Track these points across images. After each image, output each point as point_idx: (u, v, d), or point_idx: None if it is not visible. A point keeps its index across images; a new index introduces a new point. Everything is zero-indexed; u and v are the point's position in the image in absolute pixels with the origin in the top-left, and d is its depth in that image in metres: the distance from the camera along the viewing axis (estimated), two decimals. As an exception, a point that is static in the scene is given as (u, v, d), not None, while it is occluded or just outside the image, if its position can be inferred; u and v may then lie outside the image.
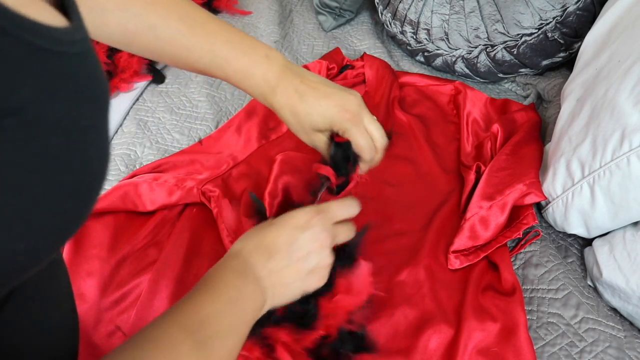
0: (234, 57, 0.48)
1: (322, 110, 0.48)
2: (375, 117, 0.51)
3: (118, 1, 0.46)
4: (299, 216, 0.45)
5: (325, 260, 0.45)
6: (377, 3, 1.04)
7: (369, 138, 0.50)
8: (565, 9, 0.78)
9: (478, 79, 0.92)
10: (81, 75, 0.22)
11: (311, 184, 0.53)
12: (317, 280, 0.45)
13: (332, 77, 0.91)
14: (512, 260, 0.63)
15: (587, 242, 0.64)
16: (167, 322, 0.36)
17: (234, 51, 0.48)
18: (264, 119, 0.83)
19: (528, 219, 0.62)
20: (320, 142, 0.51)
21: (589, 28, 0.72)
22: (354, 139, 0.49)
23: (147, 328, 0.36)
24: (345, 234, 0.48)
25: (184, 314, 0.37)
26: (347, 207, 0.48)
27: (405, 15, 0.94)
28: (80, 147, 0.22)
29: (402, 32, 0.97)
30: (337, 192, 0.52)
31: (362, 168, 0.53)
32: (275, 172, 0.66)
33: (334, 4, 1.07)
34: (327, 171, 0.51)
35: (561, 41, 0.82)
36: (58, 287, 0.33)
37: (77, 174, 0.22)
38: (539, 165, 0.67)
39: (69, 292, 0.36)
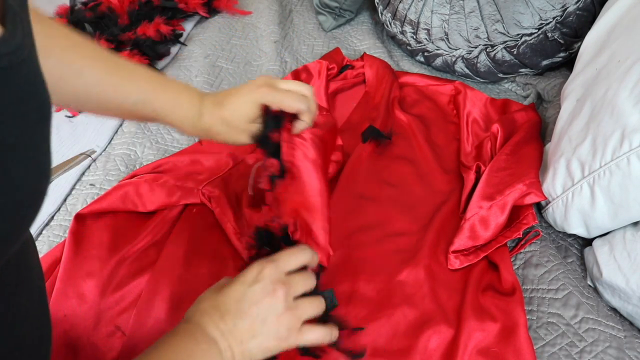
0: (161, 91, 0.51)
1: (243, 101, 0.52)
2: (289, 80, 0.55)
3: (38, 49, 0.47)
4: (248, 272, 0.44)
5: (278, 310, 0.43)
6: (377, 3, 1.04)
7: (292, 93, 0.53)
8: (565, 9, 0.78)
9: (478, 79, 0.92)
10: (9, 89, 0.21)
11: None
12: (274, 332, 0.43)
13: (332, 77, 0.91)
14: (512, 260, 0.63)
15: (587, 242, 0.64)
16: None
17: (159, 86, 0.51)
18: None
19: (528, 219, 0.62)
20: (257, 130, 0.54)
21: (589, 28, 0.72)
22: (279, 101, 0.52)
23: None
24: (302, 283, 0.46)
25: None
26: (298, 256, 0.47)
27: (405, 15, 0.94)
28: (4, 165, 0.21)
29: (402, 32, 0.97)
30: (279, 173, 0.53)
31: (305, 122, 0.54)
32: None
33: (334, 4, 1.07)
34: (257, 156, 0.54)
35: (561, 41, 0.82)
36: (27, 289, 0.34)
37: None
38: (539, 165, 0.67)
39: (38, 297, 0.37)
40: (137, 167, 0.78)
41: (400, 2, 0.95)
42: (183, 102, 0.52)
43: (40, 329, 0.36)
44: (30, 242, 0.38)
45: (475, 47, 0.87)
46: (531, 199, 0.62)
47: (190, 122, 0.52)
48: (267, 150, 0.54)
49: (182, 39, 1.10)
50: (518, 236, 0.62)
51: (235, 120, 0.52)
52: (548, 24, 0.80)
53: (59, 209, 0.73)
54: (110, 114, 0.53)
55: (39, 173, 0.24)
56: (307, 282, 0.47)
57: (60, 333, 0.55)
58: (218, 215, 0.66)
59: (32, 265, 0.36)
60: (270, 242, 0.51)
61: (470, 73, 0.91)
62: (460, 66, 0.91)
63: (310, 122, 0.55)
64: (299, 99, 0.52)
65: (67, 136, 0.86)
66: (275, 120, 0.53)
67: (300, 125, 0.54)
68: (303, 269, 0.48)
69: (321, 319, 0.47)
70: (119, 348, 0.54)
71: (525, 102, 0.87)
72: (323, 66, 0.89)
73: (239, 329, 0.42)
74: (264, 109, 0.53)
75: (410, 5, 0.93)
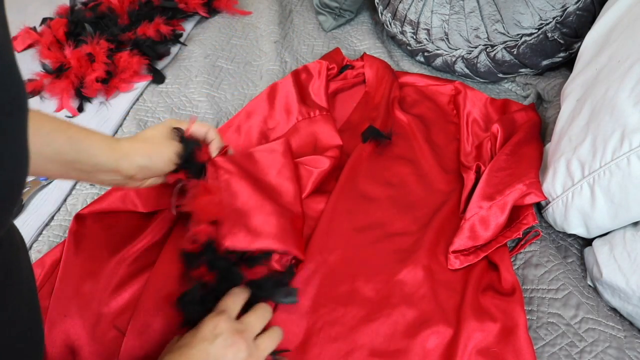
0: (90, 132, 0.52)
1: (156, 126, 0.58)
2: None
3: None
4: (203, 328, 0.45)
5: (243, 353, 0.45)
6: (377, 3, 1.04)
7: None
8: (565, 9, 0.78)
9: (478, 79, 0.92)
10: None
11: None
12: None
13: (332, 77, 0.91)
14: (512, 260, 0.63)
15: (587, 242, 0.64)
16: None
17: (86, 131, 0.51)
18: (264, 119, 0.83)
19: (528, 219, 0.62)
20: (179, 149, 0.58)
21: (589, 28, 0.72)
22: (188, 125, 0.59)
23: None
24: (258, 321, 0.49)
25: None
26: (239, 295, 0.51)
27: (405, 15, 0.94)
28: None
29: (402, 32, 0.97)
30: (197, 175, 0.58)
31: (213, 147, 0.61)
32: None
33: (334, 4, 1.07)
34: (178, 175, 0.58)
35: (561, 41, 0.82)
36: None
37: None
38: (539, 165, 0.67)
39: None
40: (137, 167, 0.78)
41: (400, 2, 0.95)
42: (98, 133, 0.53)
43: (31, 332, 0.36)
44: (20, 245, 0.38)
45: (475, 47, 0.87)
46: (531, 199, 0.62)
47: (108, 144, 0.52)
48: (190, 170, 0.58)
49: (182, 39, 1.10)
50: (518, 236, 0.62)
51: (154, 135, 0.56)
52: (548, 24, 0.80)
53: (59, 209, 0.73)
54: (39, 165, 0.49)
55: (16, 166, 0.23)
56: (262, 317, 0.50)
57: (60, 333, 0.55)
58: None
59: (22, 269, 0.36)
60: (196, 262, 0.55)
61: (470, 73, 0.91)
62: (460, 66, 0.91)
63: (220, 143, 0.62)
64: (203, 124, 0.61)
65: (67, 136, 0.86)
66: (192, 141, 0.59)
67: (214, 145, 0.61)
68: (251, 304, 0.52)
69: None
70: (119, 348, 0.54)
71: (525, 102, 0.87)
72: (323, 66, 0.89)
73: None
74: (177, 132, 0.58)
75: (410, 6, 0.93)
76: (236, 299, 0.51)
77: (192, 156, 0.58)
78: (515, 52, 0.84)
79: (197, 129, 0.60)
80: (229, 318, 0.47)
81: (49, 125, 0.47)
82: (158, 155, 0.55)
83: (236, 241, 0.56)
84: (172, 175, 0.58)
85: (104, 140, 0.52)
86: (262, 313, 0.50)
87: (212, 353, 0.43)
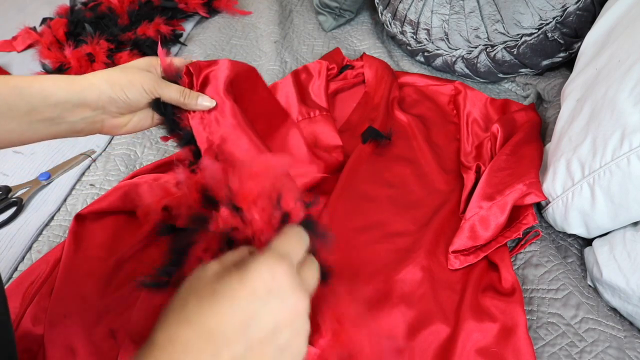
0: (40, 76, 0.47)
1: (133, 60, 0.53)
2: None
3: None
4: (253, 275, 0.29)
5: (302, 330, 0.31)
6: (377, 3, 1.04)
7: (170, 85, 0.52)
8: (565, 9, 0.78)
9: (478, 79, 0.92)
10: None
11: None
12: (293, 356, 0.31)
13: (332, 78, 0.91)
14: (512, 260, 0.63)
15: (587, 242, 0.64)
16: None
17: (33, 77, 0.47)
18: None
19: (528, 219, 0.62)
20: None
21: (589, 28, 0.72)
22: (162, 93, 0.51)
23: None
24: (314, 276, 0.35)
25: None
26: (299, 238, 0.35)
27: (405, 15, 0.94)
28: None
29: (402, 32, 0.97)
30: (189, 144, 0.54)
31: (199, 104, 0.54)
32: None
33: (334, 4, 1.07)
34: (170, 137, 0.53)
35: (561, 41, 0.82)
36: None
37: None
38: (539, 165, 0.67)
39: None
40: (137, 167, 0.78)
41: (400, 2, 0.95)
42: (51, 75, 0.48)
43: None
44: None
45: (475, 47, 0.87)
46: (531, 199, 0.62)
47: (65, 80, 0.46)
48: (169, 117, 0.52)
49: (182, 39, 1.10)
50: (518, 236, 0.62)
51: (126, 66, 0.50)
52: (548, 24, 0.80)
53: (59, 209, 0.73)
54: None
55: None
56: (316, 272, 0.36)
57: (59, 333, 0.55)
58: None
59: None
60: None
61: (470, 73, 0.91)
62: (460, 66, 0.91)
63: (203, 106, 0.54)
64: (185, 58, 0.55)
65: (67, 136, 0.86)
66: (175, 73, 0.53)
67: (177, 61, 0.54)
68: None
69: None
70: (119, 349, 0.54)
71: (525, 102, 0.87)
72: (323, 66, 0.89)
73: None
74: (164, 64, 0.52)
75: (410, 6, 0.93)
76: (300, 242, 0.35)
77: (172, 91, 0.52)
78: (515, 52, 0.84)
79: (179, 61, 0.54)
80: (291, 268, 0.31)
81: None
82: (128, 84, 0.48)
83: None
84: (164, 137, 0.55)
85: (60, 78, 0.47)
86: (313, 264, 0.35)
87: (261, 318, 0.29)
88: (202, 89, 0.54)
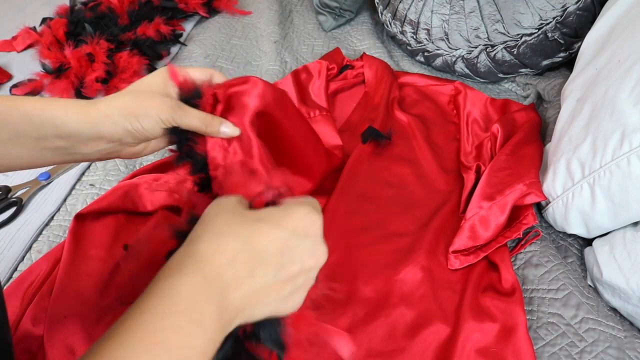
0: (29, 98, 0.42)
1: (150, 75, 0.47)
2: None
3: None
4: (297, 217, 0.33)
5: (310, 282, 0.35)
6: (377, 3, 1.04)
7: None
8: (565, 9, 0.78)
9: (478, 79, 0.92)
10: None
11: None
12: (295, 304, 0.34)
13: (332, 78, 0.91)
14: (512, 260, 0.63)
15: (587, 242, 0.64)
16: None
17: (44, 100, 0.42)
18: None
19: (528, 219, 0.62)
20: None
21: (589, 28, 0.72)
22: (186, 71, 0.46)
23: None
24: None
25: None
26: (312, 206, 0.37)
27: (405, 15, 0.94)
28: None
29: (402, 32, 0.97)
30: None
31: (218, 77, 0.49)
32: None
33: (334, 4, 1.07)
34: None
35: (561, 41, 0.82)
36: None
37: None
38: (539, 165, 0.67)
39: None
40: (137, 167, 0.78)
41: (400, 2, 0.95)
42: (63, 99, 0.43)
43: None
44: None
45: (475, 47, 0.87)
46: (531, 199, 0.62)
47: (78, 108, 0.42)
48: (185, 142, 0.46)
49: (182, 39, 1.10)
50: (518, 236, 0.62)
51: (143, 89, 0.45)
52: (548, 24, 0.80)
53: (59, 209, 0.73)
54: None
55: None
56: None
57: (59, 333, 0.55)
58: None
59: None
60: None
61: (470, 73, 0.91)
62: (460, 66, 0.91)
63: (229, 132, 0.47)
64: (205, 68, 0.49)
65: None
66: (193, 92, 0.46)
67: (216, 79, 0.48)
68: None
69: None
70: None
71: (525, 102, 0.87)
72: (323, 66, 0.89)
73: (265, 291, 0.31)
74: (177, 81, 0.46)
75: (410, 5, 0.93)
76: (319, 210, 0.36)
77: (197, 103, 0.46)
78: (515, 52, 0.84)
79: (197, 75, 0.48)
80: (321, 223, 0.34)
81: None
82: (143, 114, 0.43)
83: None
84: (172, 150, 0.48)
85: (73, 105, 0.42)
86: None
87: (295, 253, 0.32)
88: (225, 113, 0.47)
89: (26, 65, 1.02)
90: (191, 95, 0.47)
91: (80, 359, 0.25)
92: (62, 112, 0.41)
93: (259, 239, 0.31)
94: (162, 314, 0.27)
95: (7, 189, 0.75)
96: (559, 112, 0.68)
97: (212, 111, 0.46)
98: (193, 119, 0.45)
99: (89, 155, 0.44)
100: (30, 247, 0.68)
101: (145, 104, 0.43)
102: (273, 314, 0.33)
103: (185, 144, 0.46)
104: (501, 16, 0.82)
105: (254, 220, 0.32)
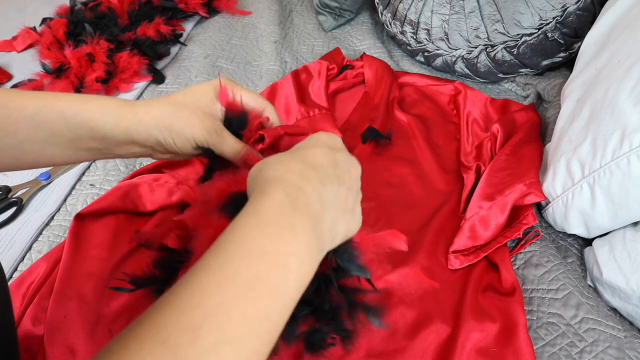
0: (66, 95, 0.42)
1: (198, 85, 0.46)
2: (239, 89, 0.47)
3: None
4: (324, 137, 0.36)
5: (359, 193, 0.37)
6: (377, 3, 1.04)
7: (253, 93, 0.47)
8: (565, 9, 0.78)
9: (478, 79, 0.92)
10: None
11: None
12: (359, 218, 0.37)
13: (332, 78, 0.91)
14: (512, 260, 0.63)
15: (587, 242, 0.64)
16: (141, 335, 0.25)
17: (63, 94, 0.42)
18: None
19: (528, 219, 0.62)
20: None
21: (589, 28, 0.72)
22: (240, 93, 0.45)
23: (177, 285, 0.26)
24: None
25: (171, 318, 0.25)
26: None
27: (405, 15, 0.94)
28: None
29: (402, 32, 0.97)
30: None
31: (273, 118, 0.48)
32: None
33: (334, 4, 1.07)
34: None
35: (561, 41, 0.82)
36: None
37: None
38: (539, 165, 0.67)
39: None
40: (137, 167, 0.78)
41: (400, 2, 0.95)
42: (100, 97, 0.43)
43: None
44: None
45: (475, 47, 0.87)
46: (531, 199, 0.62)
47: (113, 111, 0.41)
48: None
49: (182, 39, 1.10)
50: (518, 236, 0.62)
51: (188, 101, 0.43)
52: (548, 24, 0.80)
53: (59, 209, 0.73)
54: (17, 155, 0.40)
55: None
56: None
57: (59, 333, 0.55)
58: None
59: None
60: None
61: (470, 73, 0.91)
62: (460, 66, 0.91)
63: (277, 121, 0.47)
64: (261, 97, 0.47)
65: (67, 136, 0.86)
66: (239, 117, 0.45)
67: (271, 121, 0.47)
68: None
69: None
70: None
71: (525, 102, 0.87)
72: (323, 66, 0.89)
73: (335, 201, 0.32)
74: (225, 101, 0.44)
75: (410, 5, 0.93)
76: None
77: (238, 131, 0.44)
78: (515, 52, 0.84)
79: (250, 101, 0.45)
80: (340, 139, 0.38)
81: (32, 103, 0.40)
82: (179, 132, 0.42)
83: None
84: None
85: (110, 107, 0.42)
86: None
87: (340, 163, 0.35)
88: (268, 152, 0.46)
89: (26, 65, 1.02)
90: (236, 122, 0.45)
91: (185, 276, 0.26)
92: (98, 115, 0.41)
93: (312, 157, 0.33)
94: (251, 228, 0.28)
95: (7, 189, 0.75)
96: (559, 112, 0.68)
97: (254, 145, 0.45)
98: (228, 148, 0.44)
99: (121, 155, 0.45)
100: (30, 247, 0.68)
101: (184, 121, 0.42)
102: (347, 234, 0.35)
103: (213, 169, 0.44)
104: (501, 16, 0.82)
105: (294, 150, 0.34)
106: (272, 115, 0.48)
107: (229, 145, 0.44)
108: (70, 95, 0.42)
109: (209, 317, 0.23)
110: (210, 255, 0.27)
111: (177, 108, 0.43)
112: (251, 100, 0.46)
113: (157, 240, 0.49)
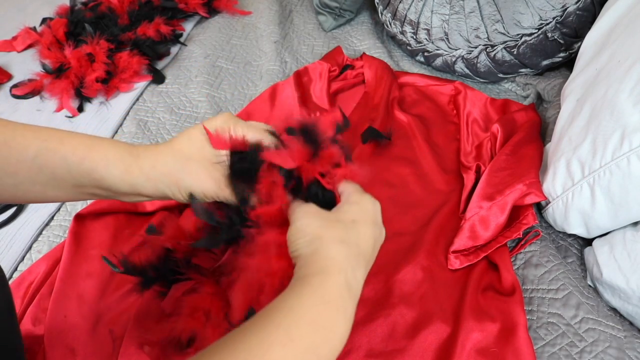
0: (70, 136, 0.40)
1: (197, 127, 0.44)
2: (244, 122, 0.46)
3: None
4: (372, 208, 0.41)
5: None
6: (377, 3, 1.04)
7: (255, 124, 0.46)
8: (565, 9, 0.78)
9: (478, 79, 0.92)
10: None
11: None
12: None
13: (333, 79, 0.91)
14: (512, 260, 0.63)
15: (587, 242, 0.64)
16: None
17: (67, 133, 0.41)
18: (265, 120, 0.83)
19: (528, 219, 0.62)
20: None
21: (589, 28, 0.72)
22: (242, 128, 0.44)
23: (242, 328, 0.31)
24: None
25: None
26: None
27: (405, 15, 0.94)
28: None
29: (402, 32, 0.97)
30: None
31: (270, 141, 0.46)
32: None
33: (334, 4, 1.07)
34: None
35: (561, 41, 0.82)
36: None
37: None
38: (539, 165, 0.67)
39: None
40: (137, 167, 0.78)
41: (400, 2, 0.95)
42: (105, 143, 0.41)
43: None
44: None
45: (475, 47, 0.87)
46: (531, 199, 0.62)
47: (118, 163, 0.40)
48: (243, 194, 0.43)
49: (182, 39, 1.10)
50: (518, 236, 0.62)
51: (192, 153, 0.42)
52: (548, 24, 0.80)
53: (59, 209, 0.73)
54: (17, 194, 0.40)
55: None
56: None
57: (59, 333, 0.55)
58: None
59: None
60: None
61: (470, 73, 0.91)
62: (460, 66, 0.91)
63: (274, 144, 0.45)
64: (264, 128, 0.46)
65: (67, 136, 0.86)
66: (248, 158, 0.43)
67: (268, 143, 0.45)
68: None
69: None
70: (118, 349, 0.54)
71: (525, 102, 0.87)
72: (325, 68, 0.89)
73: (363, 276, 0.38)
74: (224, 146, 0.43)
75: (410, 6, 0.93)
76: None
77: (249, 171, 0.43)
78: (515, 52, 0.84)
79: (251, 135, 0.44)
80: (379, 207, 0.43)
81: (35, 145, 0.38)
82: (187, 189, 0.42)
83: None
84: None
85: (115, 158, 0.40)
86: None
87: (376, 240, 0.40)
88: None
89: (26, 65, 1.02)
90: (245, 165, 0.43)
91: (255, 320, 0.31)
92: (102, 166, 0.40)
93: (364, 242, 0.38)
94: (316, 302, 0.32)
95: (7, 189, 0.75)
96: (559, 112, 0.68)
97: (271, 185, 0.43)
98: (233, 198, 0.43)
99: (126, 201, 0.44)
100: (30, 247, 0.68)
101: (192, 177, 0.42)
102: None
103: (223, 220, 0.44)
104: (501, 16, 0.82)
105: (347, 221, 0.39)
106: (270, 143, 0.46)
107: (236, 195, 0.43)
108: (74, 138, 0.40)
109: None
110: (280, 311, 0.31)
111: (183, 163, 0.42)
112: (251, 133, 0.44)
113: (160, 243, 0.50)
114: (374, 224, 0.40)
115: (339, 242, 0.36)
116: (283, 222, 0.41)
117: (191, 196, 0.43)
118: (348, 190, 0.43)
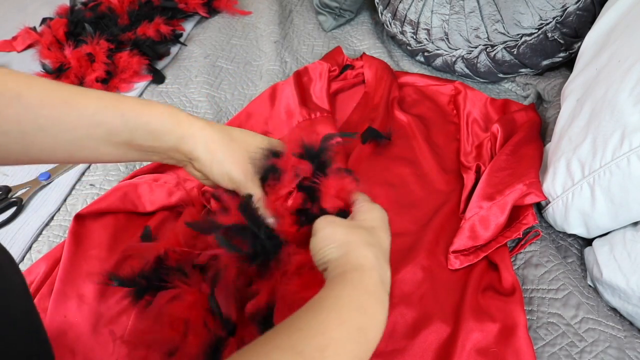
0: (126, 98, 0.44)
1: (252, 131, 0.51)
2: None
3: None
4: (383, 216, 0.45)
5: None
6: (377, 3, 1.04)
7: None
8: (565, 9, 0.78)
9: (478, 79, 0.92)
10: None
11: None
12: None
13: (333, 79, 0.91)
14: (512, 260, 0.63)
15: (587, 242, 0.64)
16: (279, 346, 0.31)
17: (122, 97, 0.44)
18: (265, 120, 0.83)
19: (528, 219, 0.62)
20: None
21: (589, 28, 0.72)
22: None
23: (253, 350, 0.31)
24: None
25: (302, 339, 0.32)
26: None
27: (405, 15, 0.94)
28: None
29: (402, 32, 0.97)
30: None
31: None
32: None
33: (334, 4, 1.07)
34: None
35: (561, 41, 0.82)
36: None
37: None
38: (539, 165, 0.67)
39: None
40: (137, 167, 0.78)
41: (400, 2, 0.95)
42: (159, 104, 0.45)
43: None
44: (7, 267, 0.37)
45: (475, 47, 0.87)
46: (531, 199, 0.62)
47: (169, 117, 0.44)
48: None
49: (182, 39, 1.10)
50: (518, 236, 0.62)
51: (242, 139, 0.48)
52: (548, 24, 0.80)
53: (59, 209, 0.73)
54: (72, 150, 0.42)
55: None
56: None
57: (59, 334, 0.55)
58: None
59: (9, 289, 0.36)
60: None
61: (470, 73, 0.91)
62: (460, 66, 0.91)
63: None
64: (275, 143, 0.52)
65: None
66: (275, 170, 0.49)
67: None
68: None
69: None
70: (118, 349, 0.54)
71: (525, 102, 0.87)
72: (325, 68, 0.89)
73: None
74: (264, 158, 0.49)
75: (410, 5, 0.93)
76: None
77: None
78: (515, 52, 0.84)
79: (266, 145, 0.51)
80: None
81: (95, 103, 0.41)
82: (219, 172, 0.46)
83: None
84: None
85: (168, 113, 0.44)
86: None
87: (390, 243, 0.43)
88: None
89: (26, 65, 1.02)
90: (272, 176, 0.49)
91: (310, 305, 0.34)
92: (158, 119, 0.44)
93: (384, 243, 0.42)
94: (360, 292, 0.36)
95: (7, 189, 0.75)
96: (559, 112, 0.68)
97: (283, 197, 0.49)
98: (251, 192, 0.48)
99: (163, 159, 0.48)
100: (30, 247, 0.68)
101: (228, 153, 0.47)
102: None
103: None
104: (501, 16, 0.82)
105: (368, 227, 0.42)
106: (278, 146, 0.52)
107: (254, 192, 0.48)
108: (131, 99, 0.44)
109: (331, 345, 0.32)
110: (329, 299, 0.35)
111: (229, 139, 0.47)
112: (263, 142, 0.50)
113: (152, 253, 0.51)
114: (387, 229, 0.44)
115: (366, 245, 0.40)
116: (304, 241, 0.45)
117: (248, 197, 0.47)
118: (360, 200, 0.47)
